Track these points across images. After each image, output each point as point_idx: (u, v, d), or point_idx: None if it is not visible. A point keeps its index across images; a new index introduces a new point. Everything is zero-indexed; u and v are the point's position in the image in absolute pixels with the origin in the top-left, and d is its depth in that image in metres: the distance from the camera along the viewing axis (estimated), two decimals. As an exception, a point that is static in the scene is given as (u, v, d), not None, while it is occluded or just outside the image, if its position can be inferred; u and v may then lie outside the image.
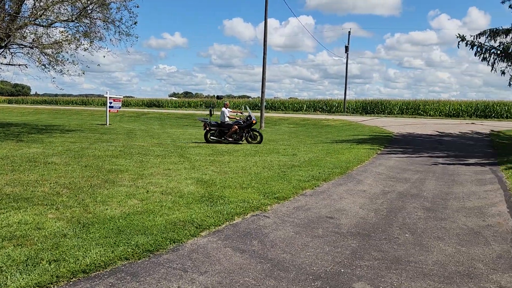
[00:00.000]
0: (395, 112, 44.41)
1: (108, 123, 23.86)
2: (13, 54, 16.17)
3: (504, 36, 15.53)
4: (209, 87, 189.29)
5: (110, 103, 24.29)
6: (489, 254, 4.21)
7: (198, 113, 36.42)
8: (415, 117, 35.94)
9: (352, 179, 7.97)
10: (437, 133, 19.67)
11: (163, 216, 4.93)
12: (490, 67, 13.30)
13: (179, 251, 4.00)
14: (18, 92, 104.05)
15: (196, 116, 29.48)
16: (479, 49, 13.27)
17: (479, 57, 13.34)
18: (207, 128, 14.82)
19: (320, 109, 47.44)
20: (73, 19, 16.42)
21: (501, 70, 13.34)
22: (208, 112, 16.39)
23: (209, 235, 4.50)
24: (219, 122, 14.98)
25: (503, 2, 16.12)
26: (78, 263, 3.50)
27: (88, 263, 3.52)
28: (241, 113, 15.82)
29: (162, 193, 6.15)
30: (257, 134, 15.04)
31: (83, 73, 16.58)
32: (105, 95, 24.50)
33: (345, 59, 46.90)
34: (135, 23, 16.99)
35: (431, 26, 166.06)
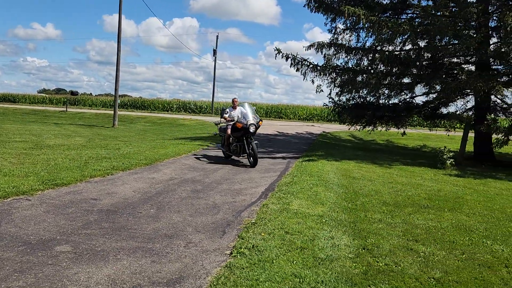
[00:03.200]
0: (260, 114, 47.47)
1: None
2: None
3: (328, 48, 17.98)
4: (86, 84, 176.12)
5: None
6: (207, 221, 5.13)
7: (54, 109, 33.99)
8: (274, 120, 38.75)
9: (152, 169, 8.60)
10: (276, 132, 21.76)
11: None
12: (302, 76, 15.35)
13: None
14: None
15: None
16: (292, 61, 15.13)
17: (294, 68, 15.24)
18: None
19: (190, 110, 48.18)
20: None
21: (311, 80, 15.45)
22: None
23: None
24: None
25: (327, 23, 18.61)
26: None
27: None
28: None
29: None
30: (251, 146, 9.84)
31: None
32: None
33: (216, 62, 48.49)
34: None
35: (306, 38, 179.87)
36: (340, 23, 16.80)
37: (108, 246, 4.04)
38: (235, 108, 10.66)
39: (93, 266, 3.53)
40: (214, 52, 48.59)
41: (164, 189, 6.81)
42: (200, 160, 10.58)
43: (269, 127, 25.05)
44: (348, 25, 16.67)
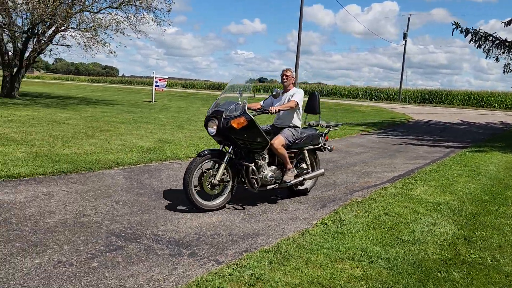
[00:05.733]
0: (456, 103, 42.54)
1: (153, 100, 26.39)
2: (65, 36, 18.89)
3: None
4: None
5: (156, 82, 26.80)
6: (315, 195, 5.35)
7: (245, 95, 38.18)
8: (467, 108, 34.43)
9: (296, 148, 9.10)
10: (459, 121, 19.50)
11: (96, 156, 6.64)
12: (485, 54, 13.27)
13: (85, 174, 5.65)
14: (107, 73, 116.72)
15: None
16: (473, 36, 13.24)
17: (475, 44, 13.31)
18: None
19: (375, 97, 46.94)
20: (119, 5, 18.81)
21: (494, 57, 13.25)
22: None
23: (120, 169, 6.09)
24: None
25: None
26: (6, 172, 5.29)
27: (15, 173, 5.28)
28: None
29: (118, 145, 7.87)
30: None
31: (113, 53, 19.02)
32: (152, 75, 27.07)
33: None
34: (169, 10, 18.94)
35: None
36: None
37: (215, 203, 4.72)
38: (287, 91, 5.22)
39: (193, 215, 4.25)
40: (404, 35, 45.76)
41: (295, 165, 7.23)
42: (350, 143, 10.59)
43: (453, 115, 22.59)
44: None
